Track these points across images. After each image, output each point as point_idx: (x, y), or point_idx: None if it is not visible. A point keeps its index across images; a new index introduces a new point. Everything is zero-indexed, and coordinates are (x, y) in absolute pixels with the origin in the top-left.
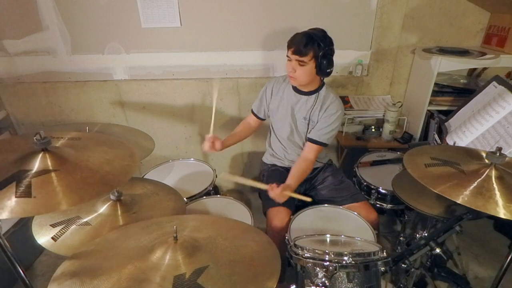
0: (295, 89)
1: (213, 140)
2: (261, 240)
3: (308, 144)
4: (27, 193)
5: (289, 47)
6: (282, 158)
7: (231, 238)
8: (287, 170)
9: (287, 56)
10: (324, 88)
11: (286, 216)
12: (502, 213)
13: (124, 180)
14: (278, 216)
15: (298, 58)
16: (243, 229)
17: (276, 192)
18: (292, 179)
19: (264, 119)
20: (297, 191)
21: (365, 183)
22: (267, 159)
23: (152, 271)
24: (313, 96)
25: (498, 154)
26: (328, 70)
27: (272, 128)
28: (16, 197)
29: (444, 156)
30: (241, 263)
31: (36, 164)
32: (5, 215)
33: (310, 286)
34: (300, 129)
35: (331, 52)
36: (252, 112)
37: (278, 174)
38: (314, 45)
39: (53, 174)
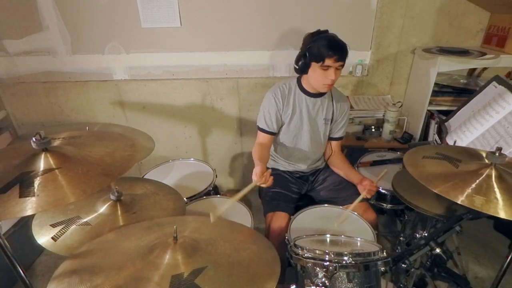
0: (308, 93)
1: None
2: (262, 244)
3: (336, 142)
4: (30, 193)
5: (327, 56)
6: (286, 164)
7: (232, 241)
8: (289, 173)
9: (324, 66)
10: None
11: (285, 220)
12: (502, 214)
13: (125, 170)
14: (277, 221)
15: (342, 63)
16: (245, 233)
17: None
18: (355, 172)
19: (276, 134)
20: (298, 191)
21: None
22: (269, 163)
23: (150, 270)
24: (326, 95)
25: (498, 154)
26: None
27: (280, 138)
28: (19, 197)
29: (445, 152)
30: (240, 265)
31: (38, 164)
32: (9, 215)
33: (310, 286)
34: (321, 131)
35: None
36: (264, 131)
37: (280, 178)
38: (346, 46)
39: (54, 172)
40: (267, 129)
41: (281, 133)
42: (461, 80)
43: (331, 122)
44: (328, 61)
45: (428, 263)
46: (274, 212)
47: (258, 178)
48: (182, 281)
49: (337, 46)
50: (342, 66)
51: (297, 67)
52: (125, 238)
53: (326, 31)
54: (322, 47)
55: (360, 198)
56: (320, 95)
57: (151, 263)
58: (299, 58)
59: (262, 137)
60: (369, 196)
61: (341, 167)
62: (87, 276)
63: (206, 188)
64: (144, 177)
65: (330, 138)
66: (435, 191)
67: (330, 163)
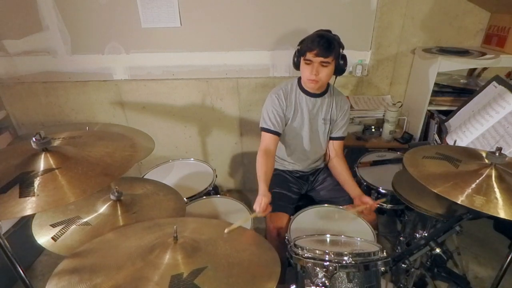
0: (308, 93)
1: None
2: (262, 245)
3: (337, 142)
4: (30, 193)
5: (308, 50)
6: (286, 163)
7: (232, 241)
8: (289, 173)
9: (306, 60)
10: (331, 86)
11: (285, 220)
12: (502, 213)
13: (125, 170)
14: (277, 221)
15: (323, 60)
16: (245, 234)
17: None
18: (353, 184)
19: (280, 134)
20: (298, 191)
21: (365, 183)
22: None
23: (150, 270)
24: (326, 96)
25: (498, 154)
26: (345, 68)
27: (283, 139)
28: (19, 197)
29: (445, 152)
30: (240, 266)
31: (38, 164)
32: (9, 215)
33: (310, 286)
34: (320, 131)
35: (344, 48)
36: (269, 132)
37: (280, 178)
38: (335, 45)
39: (54, 172)
40: (272, 128)
41: (285, 134)
42: (461, 80)
43: (331, 122)
44: (308, 55)
45: (428, 263)
46: (274, 213)
47: (261, 210)
48: (182, 281)
49: (318, 41)
50: (326, 63)
51: (293, 63)
52: (125, 237)
53: (330, 31)
54: (307, 41)
55: (356, 211)
56: (319, 95)
57: (151, 262)
58: (294, 54)
59: (267, 139)
60: (364, 213)
61: (340, 174)
62: (87, 275)
63: (206, 188)
64: (144, 177)
65: (331, 138)
66: (435, 191)
67: (330, 166)
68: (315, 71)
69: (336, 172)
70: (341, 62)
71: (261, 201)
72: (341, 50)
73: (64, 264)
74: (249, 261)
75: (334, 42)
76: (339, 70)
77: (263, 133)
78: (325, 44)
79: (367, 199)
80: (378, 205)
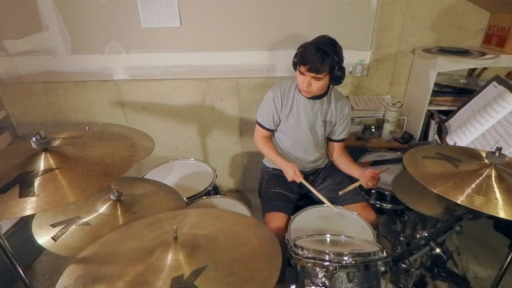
0: None
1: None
2: (264, 235)
3: (338, 144)
4: (30, 193)
5: (301, 63)
6: None
7: (233, 235)
8: None
9: (300, 70)
10: (331, 88)
11: (283, 220)
12: (502, 213)
13: (125, 170)
14: (275, 221)
15: (315, 76)
16: (246, 224)
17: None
18: (356, 167)
19: (274, 130)
20: (297, 191)
21: None
22: (269, 162)
23: (151, 273)
24: (325, 98)
25: (498, 154)
26: (342, 80)
27: (280, 138)
28: (20, 197)
29: (445, 152)
30: (240, 262)
31: (38, 165)
32: (9, 215)
33: (310, 286)
34: (319, 132)
35: (343, 61)
36: (263, 127)
37: (279, 178)
38: (329, 61)
39: (54, 172)
40: (264, 125)
41: (280, 132)
42: (461, 80)
43: (330, 124)
44: (302, 68)
45: (428, 263)
46: (272, 212)
47: (299, 176)
48: (182, 283)
49: (309, 58)
50: (318, 78)
51: (292, 63)
52: (126, 238)
53: (332, 40)
54: (303, 52)
55: (357, 184)
56: (318, 97)
57: (152, 265)
58: (294, 55)
59: (261, 133)
60: (370, 185)
61: (344, 166)
62: (90, 284)
63: (206, 188)
64: (144, 177)
65: (333, 140)
66: (435, 191)
67: (336, 165)
68: (306, 83)
69: (342, 166)
70: (338, 73)
71: (293, 170)
72: (338, 64)
73: (68, 271)
74: (249, 255)
75: (327, 58)
76: (335, 81)
77: (258, 126)
78: (318, 60)
79: (368, 171)
80: (379, 176)
